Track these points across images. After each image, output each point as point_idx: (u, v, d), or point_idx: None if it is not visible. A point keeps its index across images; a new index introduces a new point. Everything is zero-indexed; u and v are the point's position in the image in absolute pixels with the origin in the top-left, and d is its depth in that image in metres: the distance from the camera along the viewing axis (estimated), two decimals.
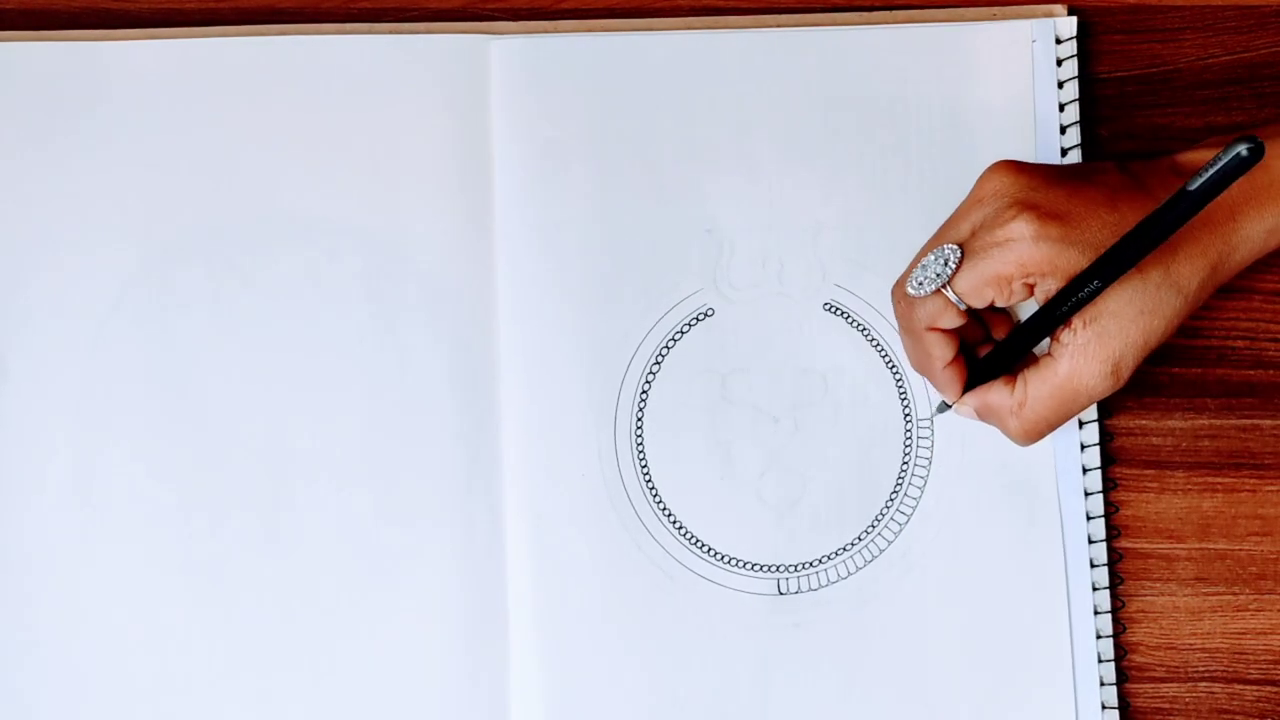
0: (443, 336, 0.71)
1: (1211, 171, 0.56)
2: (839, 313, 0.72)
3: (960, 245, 0.64)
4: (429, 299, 0.72)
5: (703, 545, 0.71)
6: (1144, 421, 0.72)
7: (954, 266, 0.63)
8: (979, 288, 0.63)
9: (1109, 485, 0.71)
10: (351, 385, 0.71)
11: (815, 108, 0.72)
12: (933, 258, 0.64)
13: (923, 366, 0.68)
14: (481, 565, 0.70)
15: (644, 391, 0.71)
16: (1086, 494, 0.71)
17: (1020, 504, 0.71)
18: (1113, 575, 0.71)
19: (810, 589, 0.70)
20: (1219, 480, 0.72)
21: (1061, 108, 0.72)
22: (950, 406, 0.68)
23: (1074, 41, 0.72)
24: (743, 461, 0.71)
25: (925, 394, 0.71)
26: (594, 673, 0.70)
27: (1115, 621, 0.71)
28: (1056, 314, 0.63)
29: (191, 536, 0.71)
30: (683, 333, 0.71)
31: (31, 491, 0.71)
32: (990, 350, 0.67)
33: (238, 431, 0.71)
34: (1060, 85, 0.72)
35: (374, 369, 0.71)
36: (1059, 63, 0.72)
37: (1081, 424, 0.71)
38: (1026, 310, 0.68)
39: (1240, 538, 0.72)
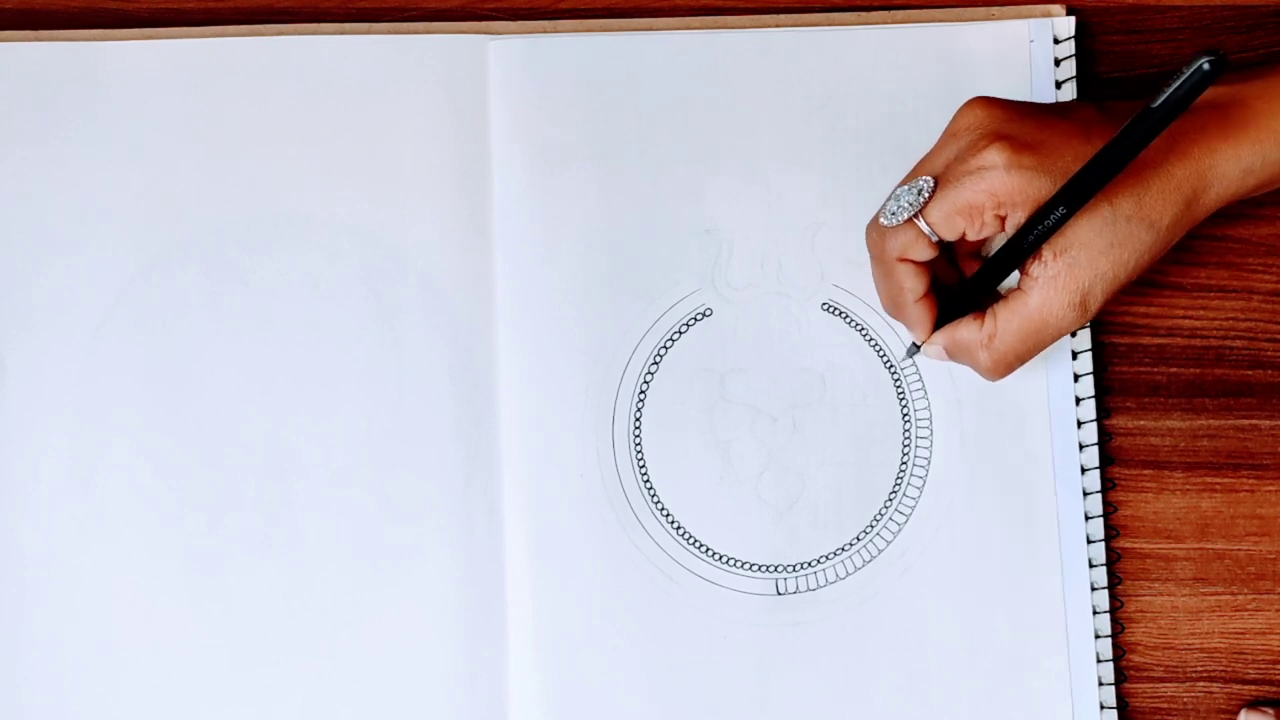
0: (442, 336, 0.72)
1: (1174, 86, 0.55)
2: (837, 312, 0.72)
3: (935, 177, 0.64)
4: (428, 298, 0.72)
5: (701, 545, 0.71)
6: (1142, 422, 0.72)
7: (927, 196, 0.63)
8: (950, 217, 0.63)
9: (1107, 485, 0.71)
10: (350, 384, 0.71)
11: (814, 108, 0.72)
12: (906, 189, 0.64)
13: (894, 303, 0.67)
14: (480, 564, 0.70)
15: (642, 391, 0.71)
16: (1085, 494, 0.71)
17: (1018, 504, 0.71)
18: (1111, 575, 0.71)
19: (809, 589, 0.70)
20: (1217, 480, 0.72)
21: None
22: (919, 349, 0.68)
23: (1072, 41, 0.72)
24: (741, 461, 0.71)
25: (925, 395, 0.71)
26: (592, 672, 0.70)
27: (1114, 621, 0.71)
28: (1025, 243, 0.63)
29: (190, 536, 0.71)
30: (681, 332, 0.71)
31: (30, 491, 0.71)
32: (960, 286, 0.67)
33: (237, 430, 0.71)
34: (1058, 85, 0.72)
35: (373, 368, 0.71)
36: (1057, 63, 0.72)
37: (1080, 424, 0.71)
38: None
39: (1239, 538, 0.72)
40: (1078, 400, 0.71)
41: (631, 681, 0.70)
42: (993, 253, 0.66)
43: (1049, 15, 0.72)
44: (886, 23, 0.73)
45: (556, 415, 0.71)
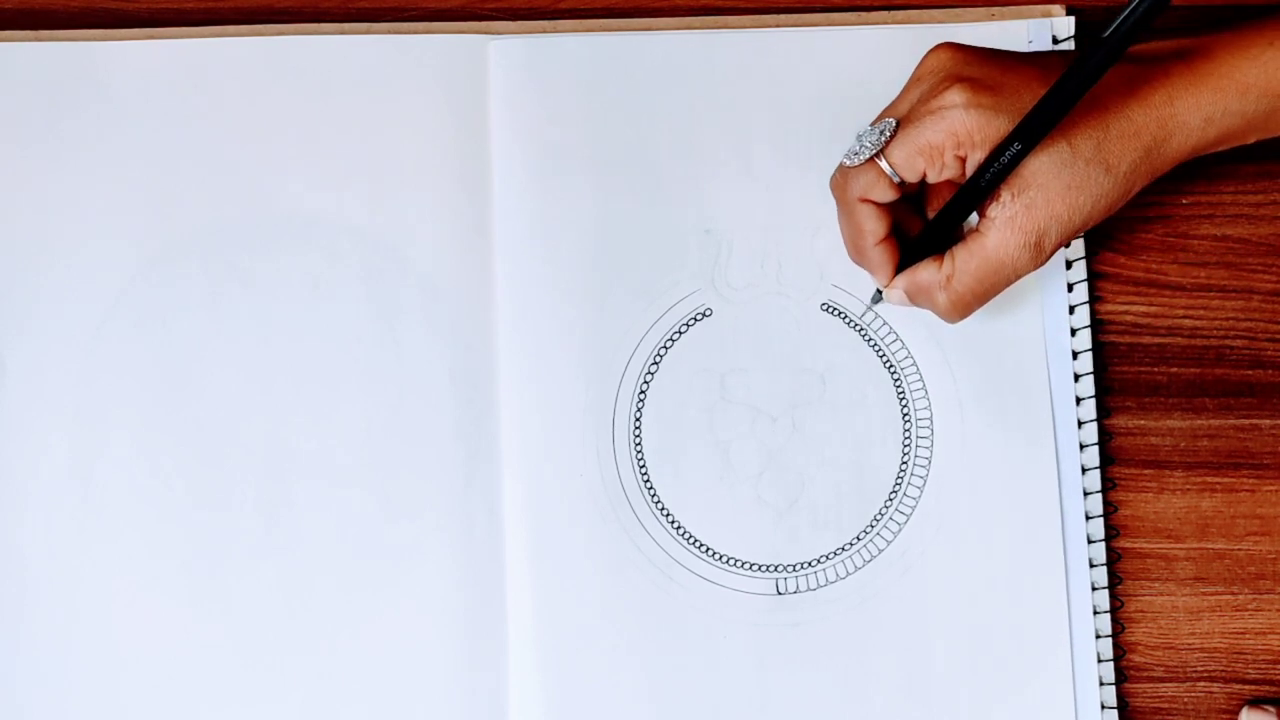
0: (442, 336, 0.72)
1: (1124, 13, 0.56)
2: (837, 313, 0.72)
3: (897, 120, 0.64)
4: (428, 298, 0.72)
5: (701, 545, 0.71)
6: (1143, 421, 0.72)
7: (889, 137, 0.64)
8: (911, 157, 0.63)
9: (1108, 485, 0.71)
10: (350, 384, 0.71)
11: (814, 108, 0.72)
12: (869, 130, 0.64)
13: (856, 246, 0.67)
14: (480, 564, 0.70)
15: (642, 391, 0.71)
16: (1085, 494, 0.71)
17: (1019, 504, 0.71)
18: (1111, 575, 0.71)
19: (809, 589, 0.70)
20: (1218, 480, 0.72)
21: None
22: (882, 297, 0.69)
23: (1072, 41, 0.72)
24: (741, 461, 0.71)
25: (925, 395, 0.71)
26: (592, 672, 0.70)
27: (1114, 621, 0.71)
28: (982, 183, 0.63)
29: (190, 535, 0.71)
30: (681, 332, 0.71)
31: (30, 490, 0.71)
32: (921, 229, 0.68)
33: (237, 430, 0.71)
34: None
35: (373, 368, 0.71)
36: None
37: (1081, 424, 0.71)
38: None
39: (1239, 537, 0.72)
40: (1078, 400, 0.71)
41: (631, 681, 0.70)
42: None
43: (1049, 15, 0.72)
44: (886, 23, 0.73)
45: (556, 415, 0.71)
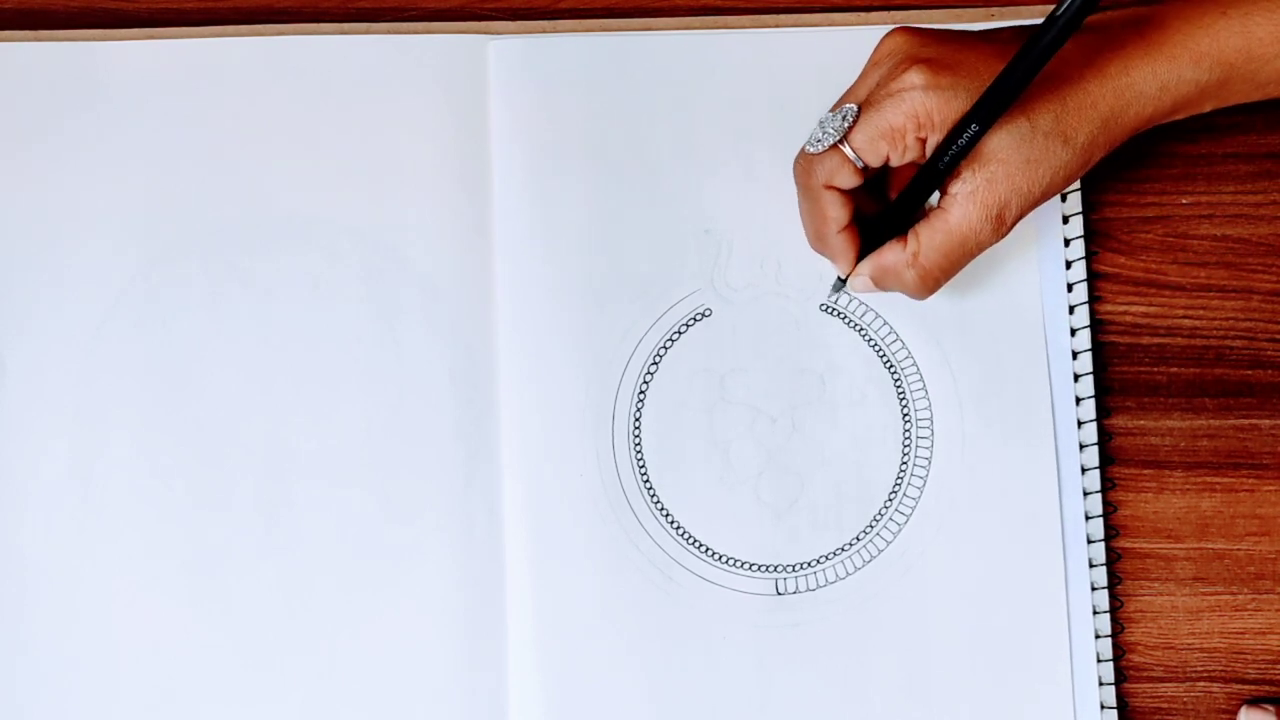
0: (441, 336, 0.72)
1: None
2: (836, 313, 0.72)
3: (858, 105, 0.64)
4: (427, 299, 0.72)
5: (701, 545, 0.71)
6: (1142, 421, 0.72)
7: (851, 122, 0.64)
8: (873, 141, 0.63)
9: (1107, 485, 0.71)
10: (350, 384, 0.71)
11: (814, 108, 0.72)
12: (831, 116, 0.64)
13: (818, 234, 0.68)
14: (480, 565, 0.70)
15: (642, 391, 0.71)
16: (1085, 494, 0.71)
17: (1019, 504, 0.71)
18: (1111, 575, 0.71)
19: (809, 589, 0.70)
20: (1217, 480, 0.72)
21: None
22: (845, 284, 0.69)
23: None
24: (741, 461, 0.71)
25: (925, 395, 0.71)
26: (592, 673, 0.70)
27: (1114, 621, 0.71)
28: (941, 163, 0.63)
29: (190, 535, 0.71)
30: (680, 333, 0.71)
31: (30, 490, 0.71)
32: (879, 212, 0.68)
33: (237, 430, 0.71)
34: None
35: (373, 368, 0.71)
36: None
37: (1080, 424, 0.71)
38: None
39: (1238, 537, 0.72)
40: (1078, 400, 0.71)
41: (631, 681, 0.70)
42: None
43: None
44: (887, 23, 0.73)
45: (556, 415, 0.71)
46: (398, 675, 0.70)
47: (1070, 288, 0.72)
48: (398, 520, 0.71)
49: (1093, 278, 0.72)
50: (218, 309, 0.72)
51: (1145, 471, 0.72)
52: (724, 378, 0.71)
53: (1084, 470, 0.71)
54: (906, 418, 0.71)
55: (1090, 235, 0.72)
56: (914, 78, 0.63)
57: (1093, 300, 0.72)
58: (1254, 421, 0.72)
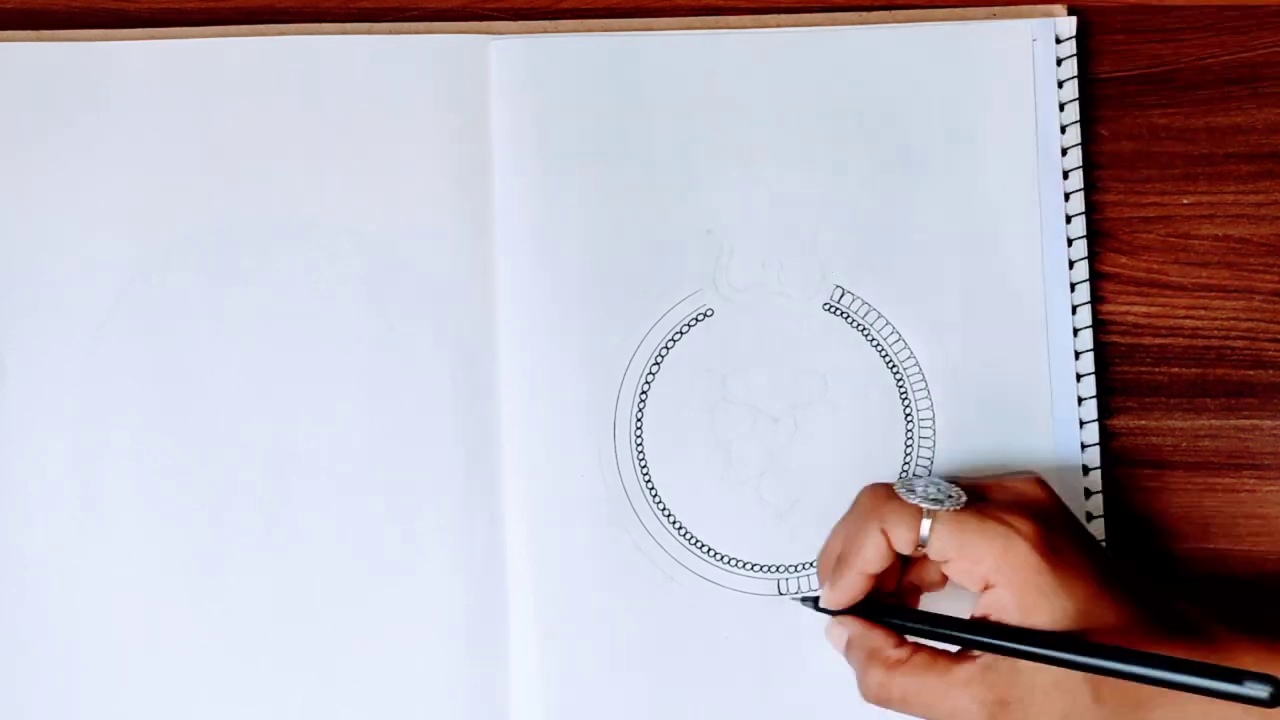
0: (442, 336, 0.71)
1: (1226, 686, 0.54)
2: (839, 313, 0.72)
3: (967, 498, 0.62)
4: (428, 299, 0.72)
5: (702, 545, 0.71)
6: (1144, 422, 0.72)
7: (950, 509, 0.62)
8: (948, 547, 0.61)
9: (1109, 486, 0.71)
10: (351, 386, 0.71)
11: (815, 107, 0.72)
12: (939, 482, 0.62)
13: (844, 558, 0.64)
14: (481, 566, 0.70)
15: (644, 392, 0.71)
16: (1087, 494, 0.71)
17: None
18: None
19: (811, 589, 0.70)
20: (1219, 481, 0.72)
21: (1061, 107, 0.72)
22: (817, 607, 0.66)
23: (1073, 41, 0.72)
24: (742, 462, 0.71)
25: (928, 395, 0.71)
26: (594, 673, 0.70)
27: None
28: (983, 641, 0.60)
29: (191, 536, 0.71)
30: (682, 333, 0.71)
31: (31, 490, 0.71)
32: (912, 609, 0.65)
33: (237, 432, 0.71)
34: (1060, 85, 0.72)
35: (373, 369, 0.71)
36: (1059, 62, 0.72)
37: (1082, 424, 0.71)
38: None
39: (1240, 538, 0.72)
40: (1080, 400, 0.71)
41: (633, 682, 0.70)
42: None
43: (1050, 15, 0.72)
44: (888, 22, 0.73)
45: (557, 416, 0.71)
46: (399, 676, 0.70)
47: (1073, 288, 0.72)
48: (399, 520, 0.71)
49: (1094, 278, 0.72)
50: (218, 309, 0.72)
51: (1147, 472, 0.72)
52: (725, 378, 0.71)
53: (1086, 470, 0.71)
54: (909, 418, 0.71)
55: (1091, 235, 0.72)
56: (1026, 528, 0.60)
57: (1094, 300, 0.72)
58: (1255, 422, 0.72)
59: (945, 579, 0.65)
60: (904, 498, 0.62)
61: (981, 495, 0.64)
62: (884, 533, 0.62)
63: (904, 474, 0.64)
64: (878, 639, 0.63)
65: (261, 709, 0.70)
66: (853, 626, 0.65)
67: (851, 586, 0.64)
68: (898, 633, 0.63)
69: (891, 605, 0.65)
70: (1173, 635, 0.61)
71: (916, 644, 0.63)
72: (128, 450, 0.71)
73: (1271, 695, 0.52)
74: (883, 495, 0.63)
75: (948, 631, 0.62)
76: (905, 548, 0.62)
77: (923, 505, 0.62)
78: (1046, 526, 0.61)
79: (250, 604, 0.70)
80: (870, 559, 0.63)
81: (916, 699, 0.61)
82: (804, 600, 0.68)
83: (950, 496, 0.62)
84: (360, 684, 0.70)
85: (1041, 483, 0.64)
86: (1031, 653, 0.59)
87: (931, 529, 0.61)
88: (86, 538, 0.71)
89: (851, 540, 0.64)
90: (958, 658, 0.61)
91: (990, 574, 0.61)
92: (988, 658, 0.60)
